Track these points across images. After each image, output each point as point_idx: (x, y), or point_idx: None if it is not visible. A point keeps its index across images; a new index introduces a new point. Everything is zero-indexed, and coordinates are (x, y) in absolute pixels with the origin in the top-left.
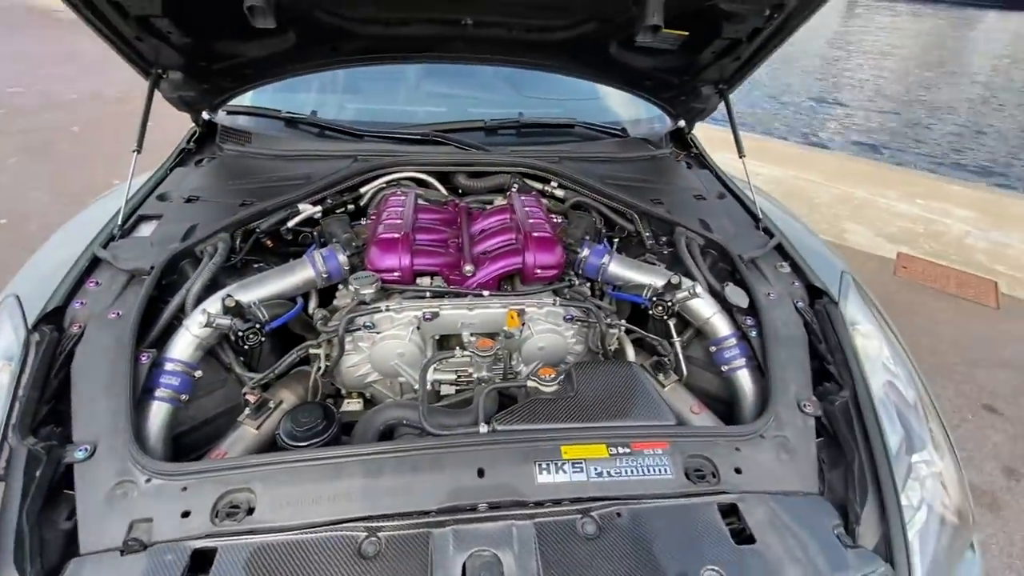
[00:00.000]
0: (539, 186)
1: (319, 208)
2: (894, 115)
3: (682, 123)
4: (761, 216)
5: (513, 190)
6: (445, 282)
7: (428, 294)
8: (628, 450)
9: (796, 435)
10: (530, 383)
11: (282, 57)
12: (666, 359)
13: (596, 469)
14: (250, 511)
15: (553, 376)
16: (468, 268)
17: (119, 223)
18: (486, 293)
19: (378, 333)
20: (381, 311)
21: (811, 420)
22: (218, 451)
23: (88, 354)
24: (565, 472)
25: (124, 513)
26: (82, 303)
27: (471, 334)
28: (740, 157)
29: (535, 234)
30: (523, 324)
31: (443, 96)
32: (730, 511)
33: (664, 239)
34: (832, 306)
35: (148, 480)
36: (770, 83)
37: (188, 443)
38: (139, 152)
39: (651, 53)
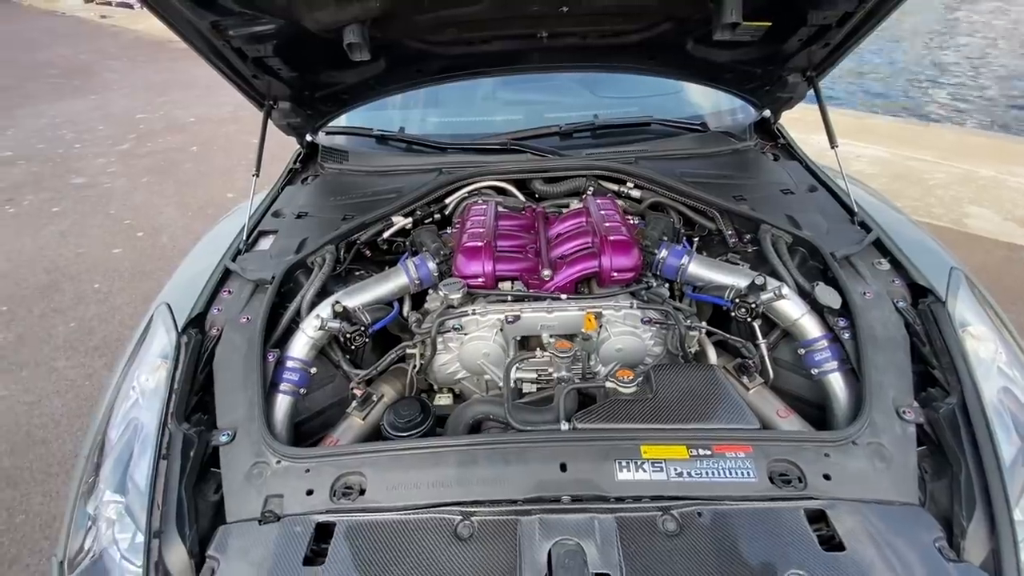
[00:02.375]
0: (615, 187)
1: (410, 219)
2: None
3: (767, 113)
4: (857, 209)
5: (588, 193)
6: (525, 286)
7: (509, 298)
8: (709, 452)
9: (893, 442)
10: (609, 384)
11: (375, 81)
12: (750, 361)
13: (676, 469)
14: (362, 492)
15: (632, 378)
16: (546, 272)
17: (244, 239)
18: (564, 296)
19: (466, 334)
20: (468, 314)
21: (911, 427)
22: (330, 439)
23: (226, 353)
24: (645, 471)
25: (260, 489)
26: (219, 309)
27: (550, 335)
28: (833, 147)
29: (611, 237)
30: (600, 326)
31: (520, 104)
32: (818, 518)
33: (748, 237)
34: (939, 305)
35: (278, 462)
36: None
37: (305, 431)
38: (258, 176)
39: (731, 46)
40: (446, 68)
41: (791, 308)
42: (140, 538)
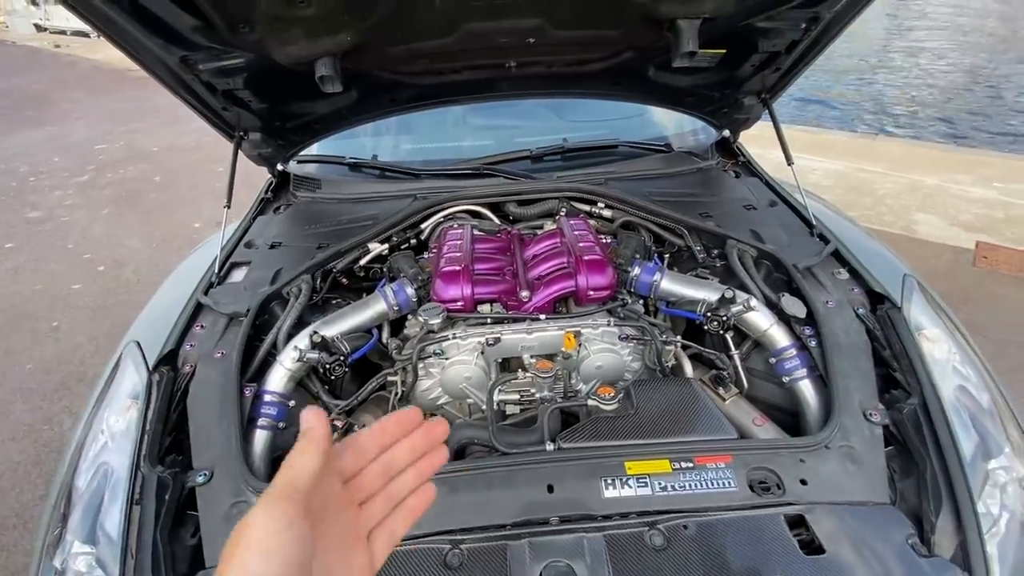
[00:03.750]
0: (586, 208)
1: (386, 246)
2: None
3: (727, 133)
4: (815, 222)
5: (561, 214)
6: (504, 308)
7: (489, 320)
8: (691, 464)
9: (863, 445)
10: (591, 402)
11: (347, 111)
12: (725, 373)
13: (660, 483)
14: None
15: (612, 395)
16: (524, 294)
17: (216, 271)
18: (543, 317)
19: (447, 359)
20: (448, 339)
21: (878, 429)
22: None
23: (200, 390)
24: (630, 487)
25: None
26: (192, 345)
27: (531, 356)
28: (789, 164)
29: (585, 257)
30: (579, 345)
31: (491, 129)
32: (798, 522)
33: (716, 252)
34: (895, 311)
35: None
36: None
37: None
38: (229, 207)
39: (690, 71)
40: (418, 97)
41: (760, 319)
42: None
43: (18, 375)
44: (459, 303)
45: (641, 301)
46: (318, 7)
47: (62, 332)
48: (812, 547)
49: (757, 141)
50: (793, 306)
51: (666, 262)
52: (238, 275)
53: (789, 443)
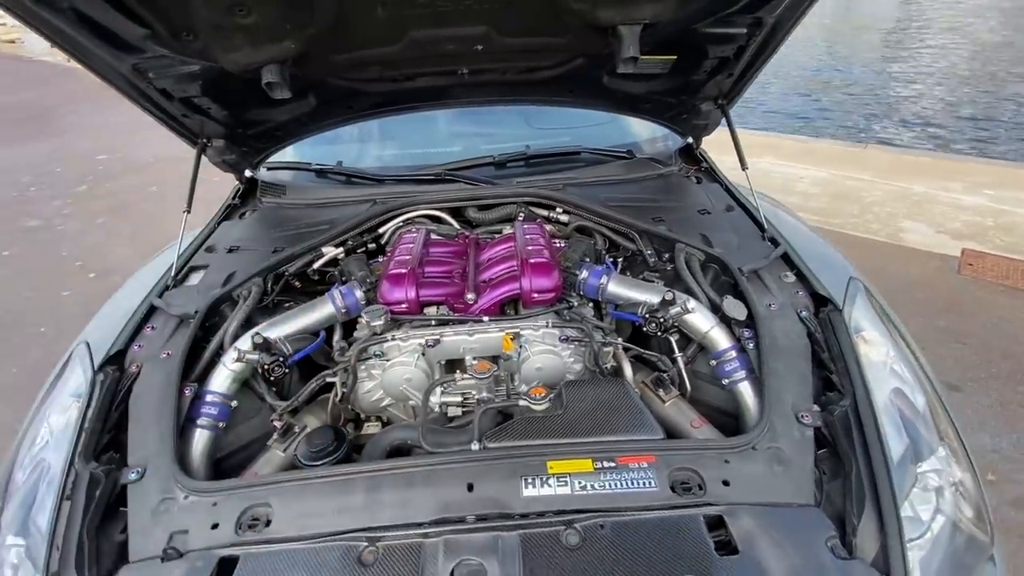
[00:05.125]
0: (545, 213)
1: (341, 250)
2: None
3: (691, 140)
4: (767, 226)
5: (519, 219)
6: (451, 310)
7: (433, 322)
8: (613, 464)
9: (791, 446)
10: (522, 402)
11: (307, 118)
12: (666, 375)
13: (580, 483)
14: (268, 523)
15: (544, 395)
16: (470, 296)
17: (172, 275)
18: (485, 319)
19: (387, 361)
20: (388, 340)
21: (809, 431)
22: (250, 472)
23: (142, 389)
24: (550, 486)
25: (165, 525)
26: (140, 346)
27: (474, 358)
28: (743, 169)
29: (531, 260)
30: (520, 347)
31: (458, 136)
32: (718, 523)
33: (667, 256)
34: (836, 313)
35: (186, 497)
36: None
37: (229, 466)
38: (189, 212)
39: (644, 78)
40: (377, 104)
41: (700, 321)
42: None
43: (3, 379)
44: (403, 305)
45: (591, 304)
46: (258, 15)
47: (48, 338)
48: (729, 548)
49: (747, 150)
50: (734, 308)
51: (620, 266)
52: (195, 278)
53: (714, 444)
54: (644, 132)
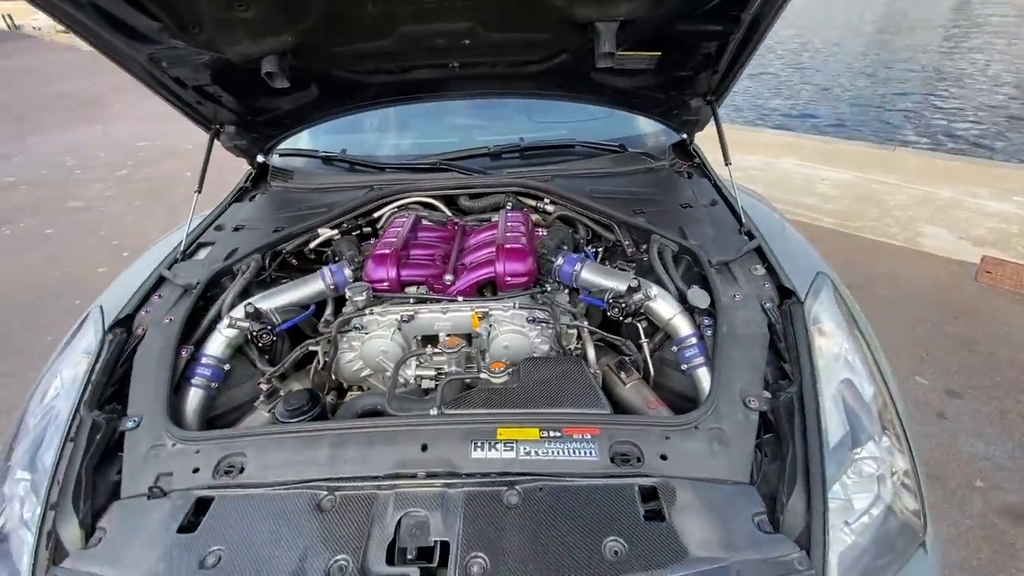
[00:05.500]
0: (533, 203)
1: (336, 231)
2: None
3: (684, 135)
4: (745, 220)
5: (507, 208)
6: (430, 290)
7: (412, 300)
8: (559, 434)
9: (734, 428)
10: (483, 375)
11: (311, 107)
12: (628, 359)
13: (525, 449)
14: (242, 470)
15: (502, 369)
16: (448, 278)
17: (182, 249)
18: (460, 299)
19: (367, 334)
20: (366, 315)
21: (754, 415)
22: (237, 428)
23: (145, 350)
24: (497, 450)
25: (153, 468)
26: (147, 311)
27: (446, 335)
28: (726, 164)
29: (507, 245)
30: (490, 326)
31: (459, 128)
32: (652, 494)
33: (644, 247)
34: (797, 306)
35: (173, 444)
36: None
37: (222, 424)
38: (199, 192)
39: (630, 73)
40: (376, 95)
41: (664, 309)
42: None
43: (39, 346)
44: (385, 284)
45: (566, 290)
46: (256, 10)
47: (82, 309)
48: (659, 517)
49: (772, 150)
50: (697, 297)
51: (599, 255)
52: (202, 253)
53: (657, 421)
54: (642, 127)
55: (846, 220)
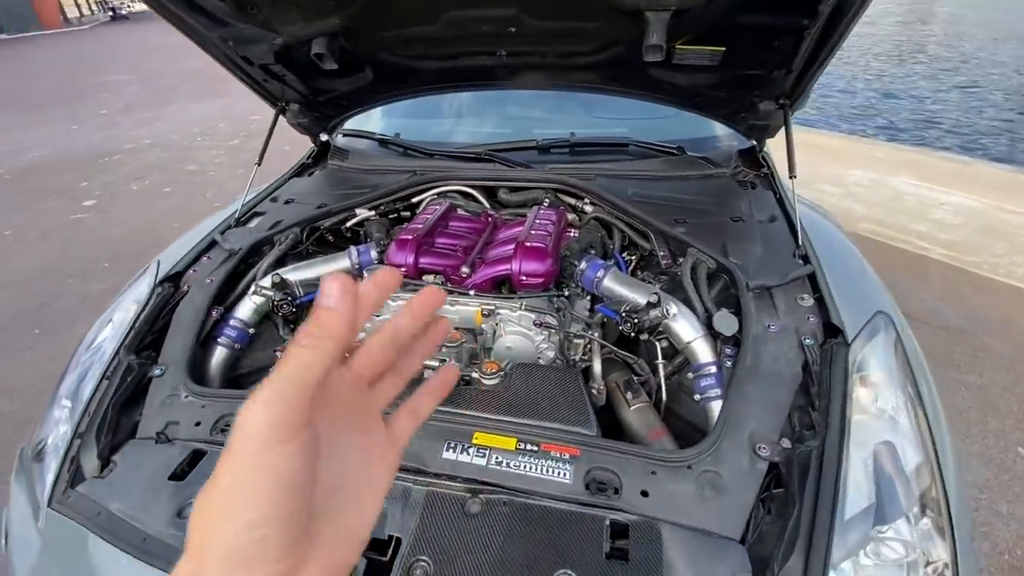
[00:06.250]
0: (572, 201)
1: (373, 213)
2: None
3: (754, 141)
4: (803, 242)
5: (544, 204)
6: (447, 281)
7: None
8: (536, 448)
9: (734, 475)
10: (475, 374)
11: (367, 90)
12: (636, 379)
13: (498, 458)
14: None
15: (495, 371)
16: (464, 270)
17: (237, 217)
18: (471, 293)
19: (376, 316)
20: None
21: (762, 464)
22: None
23: (185, 306)
24: (469, 454)
25: (165, 416)
26: (195, 271)
27: (454, 327)
28: (790, 177)
29: (526, 243)
30: (496, 323)
31: (515, 118)
32: (624, 531)
33: (681, 260)
34: (841, 346)
35: (185, 396)
36: None
37: (247, 382)
38: (259, 165)
39: (692, 70)
40: (428, 81)
41: (683, 330)
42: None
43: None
44: (402, 269)
45: (588, 297)
46: None
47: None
48: (625, 557)
49: (882, 165)
50: (723, 322)
51: (632, 264)
52: (254, 222)
53: (644, 451)
54: (709, 130)
55: (962, 254)
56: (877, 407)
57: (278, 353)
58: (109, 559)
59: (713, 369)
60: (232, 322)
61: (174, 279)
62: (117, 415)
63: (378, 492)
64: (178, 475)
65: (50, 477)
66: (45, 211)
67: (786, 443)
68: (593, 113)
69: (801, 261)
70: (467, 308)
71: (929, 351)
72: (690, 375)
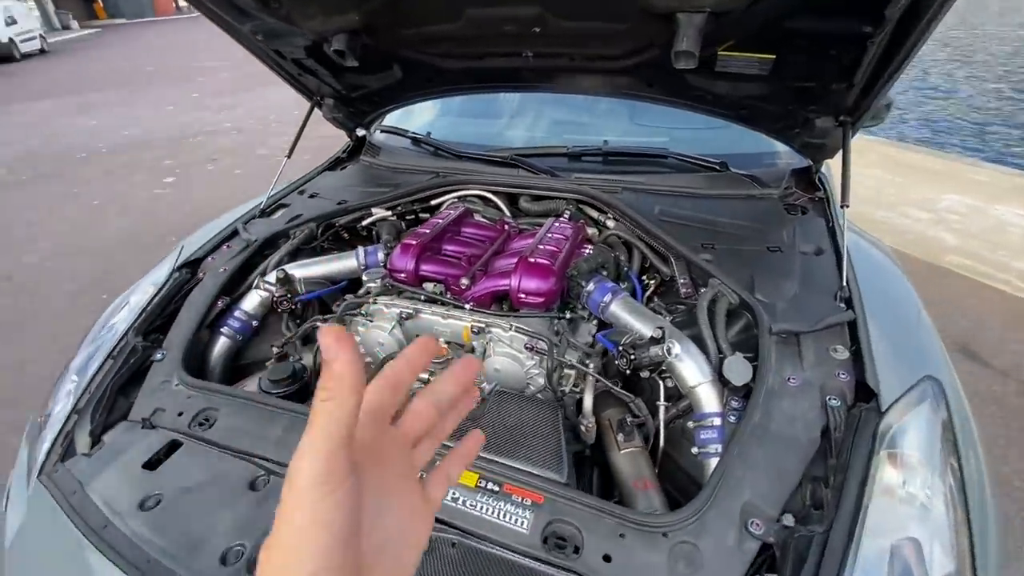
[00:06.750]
0: (595, 215)
1: (389, 212)
2: None
3: (810, 161)
4: (847, 282)
5: (564, 216)
6: (448, 291)
7: (423, 298)
8: (497, 489)
9: (716, 552)
10: None
11: (396, 87)
12: (629, 420)
13: (454, 494)
14: (212, 425)
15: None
16: (464, 282)
17: (261, 208)
18: (467, 307)
19: (371, 321)
20: (372, 303)
21: (752, 544)
22: (243, 383)
23: (196, 293)
24: None
25: (155, 401)
26: (213, 258)
27: (444, 341)
28: (842, 206)
29: (529, 259)
30: (487, 342)
31: (550, 122)
32: None
33: (704, 290)
34: (871, 413)
35: (176, 385)
36: None
37: (249, 372)
38: (289, 158)
39: (737, 78)
40: (455, 81)
41: (689, 372)
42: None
43: None
44: (402, 275)
45: (595, 322)
46: None
47: None
48: None
49: (983, 190)
50: (733, 369)
51: (652, 290)
52: (278, 214)
53: (615, 511)
54: (762, 146)
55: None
56: (906, 493)
57: (274, 349)
58: (74, 539)
59: (717, 421)
60: (237, 313)
61: (192, 265)
62: (115, 395)
63: (416, 551)
64: (152, 463)
65: (44, 448)
66: (132, 184)
67: (789, 520)
68: (635, 120)
69: (843, 305)
70: (460, 323)
71: (1018, 411)
72: (690, 424)
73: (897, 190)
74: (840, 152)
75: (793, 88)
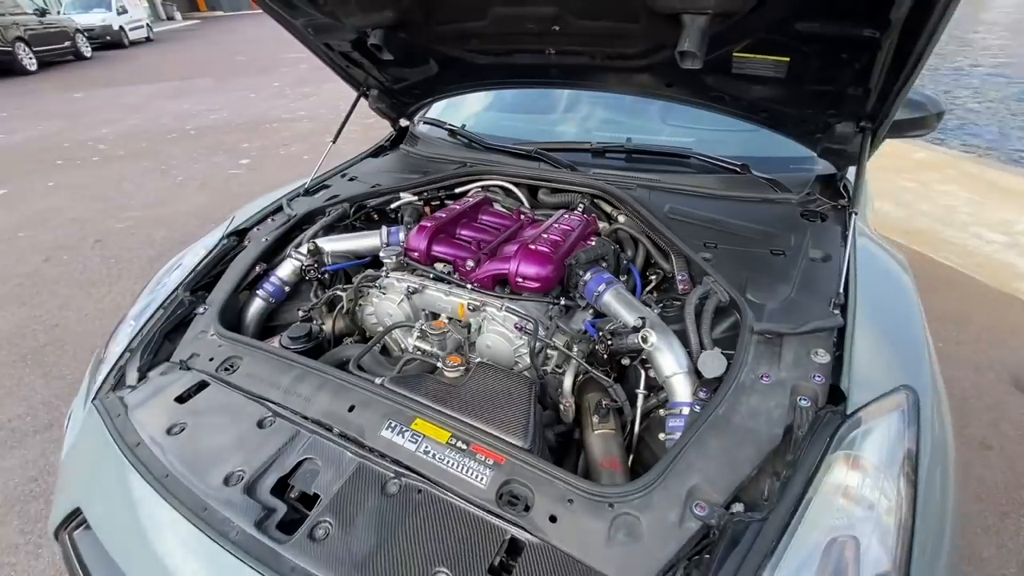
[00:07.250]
0: (609, 210)
1: (416, 198)
2: None
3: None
4: (850, 289)
5: (579, 209)
6: (456, 272)
7: (431, 276)
8: (465, 447)
9: (655, 527)
10: (439, 365)
11: (434, 80)
12: (606, 404)
13: (426, 447)
14: (235, 371)
15: (457, 364)
16: (469, 264)
17: (305, 187)
18: (469, 286)
19: (384, 293)
20: (385, 277)
21: (693, 523)
22: (270, 341)
23: (240, 259)
24: (403, 437)
25: (192, 348)
26: (258, 229)
27: (447, 316)
28: (851, 213)
29: (529, 246)
30: (482, 320)
31: (583, 119)
32: (520, 548)
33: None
34: (833, 415)
35: (211, 335)
36: None
37: (277, 333)
38: (334, 143)
39: (755, 81)
40: (486, 76)
41: (665, 363)
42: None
43: None
44: (415, 254)
45: (590, 310)
46: None
47: None
48: (507, 573)
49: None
50: (707, 362)
51: (652, 284)
52: (320, 193)
53: (570, 479)
54: (794, 149)
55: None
56: (854, 495)
57: (300, 312)
58: (113, 453)
59: (686, 410)
60: (272, 279)
61: (240, 234)
62: (162, 340)
63: None
64: (182, 398)
65: (100, 379)
66: (212, 164)
67: (739, 508)
68: (666, 120)
69: (836, 311)
70: (459, 300)
71: None
72: (662, 412)
73: (973, 209)
74: (859, 158)
75: (810, 92)
